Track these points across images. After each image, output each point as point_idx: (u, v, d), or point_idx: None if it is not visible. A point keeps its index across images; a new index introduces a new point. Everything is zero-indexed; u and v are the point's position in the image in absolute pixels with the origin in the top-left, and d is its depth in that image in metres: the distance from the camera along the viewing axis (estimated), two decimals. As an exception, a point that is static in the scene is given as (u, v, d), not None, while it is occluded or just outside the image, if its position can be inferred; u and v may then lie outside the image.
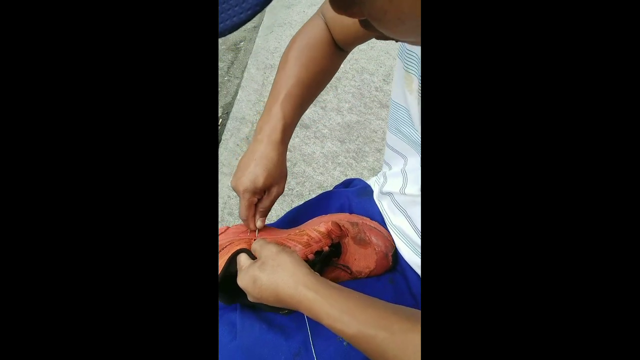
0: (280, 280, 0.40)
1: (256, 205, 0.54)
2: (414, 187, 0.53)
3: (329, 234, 0.52)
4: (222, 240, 0.56)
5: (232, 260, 0.48)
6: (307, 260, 0.49)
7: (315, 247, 0.51)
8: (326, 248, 0.52)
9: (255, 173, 0.51)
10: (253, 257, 0.48)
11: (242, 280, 0.44)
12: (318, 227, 0.53)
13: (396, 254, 0.57)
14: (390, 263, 0.56)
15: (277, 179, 0.53)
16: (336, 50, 0.57)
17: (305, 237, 0.52)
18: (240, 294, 0.51)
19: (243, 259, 0.47)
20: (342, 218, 0.59)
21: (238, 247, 0.49)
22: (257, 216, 0.54)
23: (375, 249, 0.55)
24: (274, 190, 0.53)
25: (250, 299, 0.45)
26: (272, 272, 0.40)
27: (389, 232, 0.59)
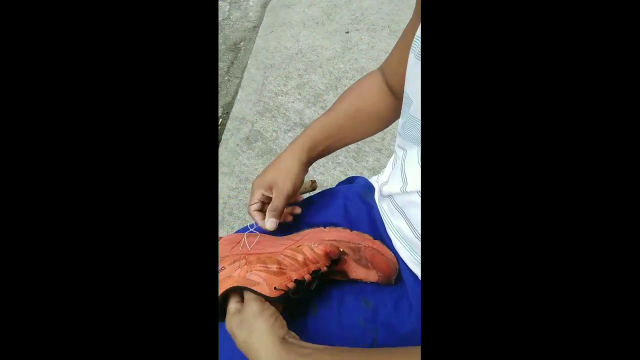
0: (252, 346, 0.43)
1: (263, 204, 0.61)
2: (414, 184, 0.53)
3: (326, 255, 0.52)
4: None
5: (226, 296, 0.48)
6: (303, 281, 0.49)
7: (312, 267, 0.51)
8: (324, 268, 0.51)
9: (283, 184, 0.59)
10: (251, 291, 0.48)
11: (227, 325, 0.47)
12: (315, 248, 0.52)
13: (399, 275, 0.56)
14: (393, 284, 0.55)
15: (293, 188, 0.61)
16: (389, 93, 0.63)
17: (302, 257, 0.51)
18: None
19: (231, 303, 0.49)
20: (343, 238, 0.56)
21: (231, 284, 0.48)
22: (268, 216, 0.58)
23: (377, 274, 0.54)
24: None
25: None
26: (247, 336, 0.43)
27: (390, 249, 0.58)
